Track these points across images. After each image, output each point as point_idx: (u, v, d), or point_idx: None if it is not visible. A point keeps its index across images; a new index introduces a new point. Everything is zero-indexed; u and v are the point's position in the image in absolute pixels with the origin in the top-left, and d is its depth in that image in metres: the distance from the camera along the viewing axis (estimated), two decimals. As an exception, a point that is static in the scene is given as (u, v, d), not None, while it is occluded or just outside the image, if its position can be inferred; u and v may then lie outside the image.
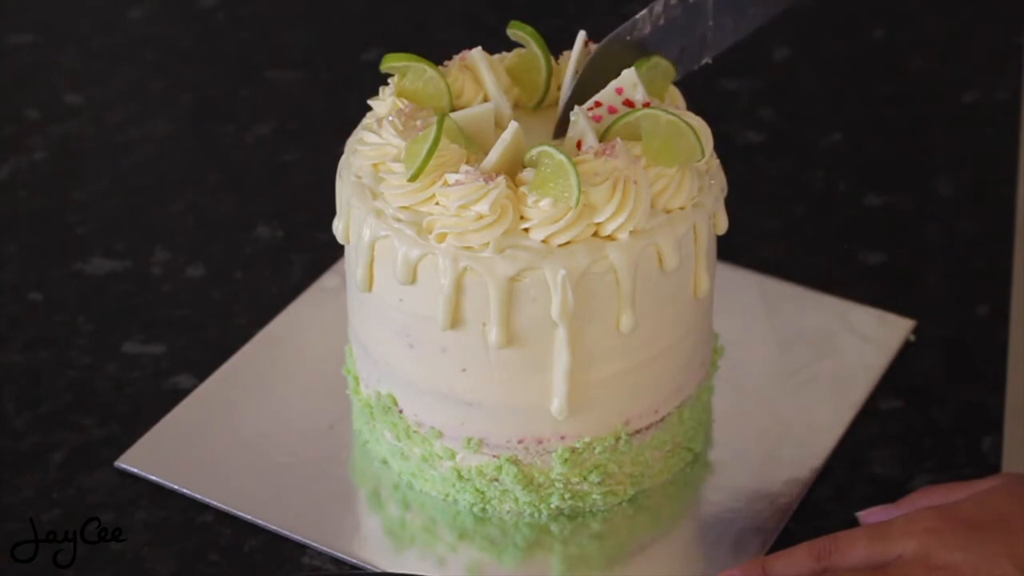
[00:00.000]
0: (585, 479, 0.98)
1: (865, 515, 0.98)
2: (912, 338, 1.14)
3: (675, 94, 1.00)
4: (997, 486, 0.92)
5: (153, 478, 1.02)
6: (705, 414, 1.05)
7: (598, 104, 0.97)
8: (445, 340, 0.94)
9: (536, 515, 0.99)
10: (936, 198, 1.13)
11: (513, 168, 0.94)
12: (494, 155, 0.93)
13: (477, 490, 0.99)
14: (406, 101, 0.98)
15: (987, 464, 1.03)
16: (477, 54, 1.01)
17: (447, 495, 1.00)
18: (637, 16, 0.99)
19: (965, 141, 1.38)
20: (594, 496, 0.99)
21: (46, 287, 1.20)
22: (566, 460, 0.97)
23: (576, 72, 1.00)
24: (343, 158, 0.99)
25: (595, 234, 0.92)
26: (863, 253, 1.23)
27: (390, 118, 0.96)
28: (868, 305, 1.16)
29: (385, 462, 1.03)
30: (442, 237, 0.92)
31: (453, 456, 0.98)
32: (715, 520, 1.01)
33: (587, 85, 0.98)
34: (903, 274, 1.21)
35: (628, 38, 0.99)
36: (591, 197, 0.91)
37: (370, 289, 0.96)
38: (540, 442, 0.97)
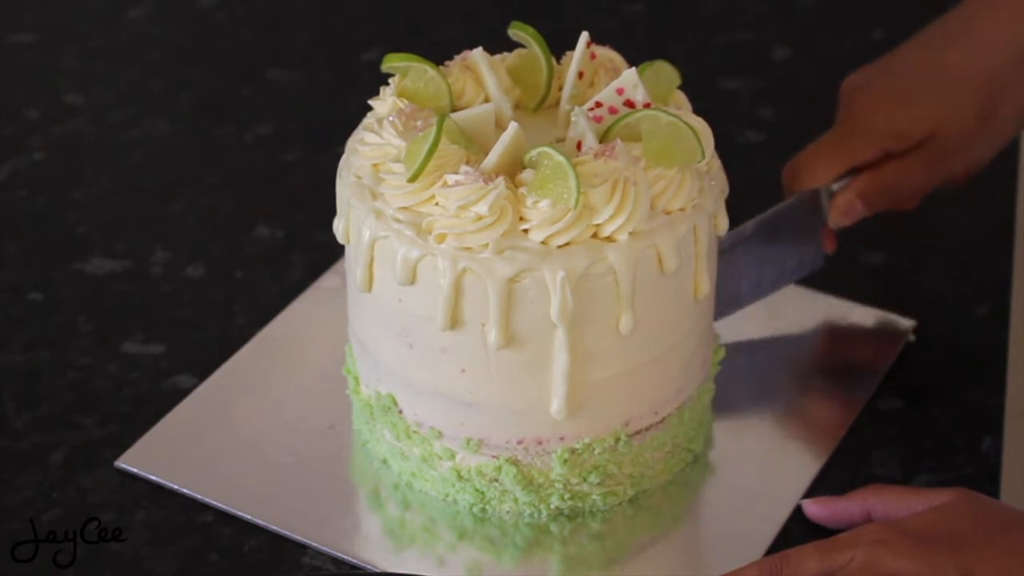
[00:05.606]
0: (585, 480, 0.98)
1: (810, 504, 0.98)
2: (912, 338, 1.14)
3: (680, 98, 1.00)
4: (950, 503, 0.91)
5: (153, 478, 1.02)
6: (705, 415, 1.05)
7: (599, 104, 0.97)
8: (444, 340, 0.94)
9: (536, 515, 0.99)
10: (936, 198, 1.12)
11: (513, 169, 0.94)
12: (494, 156, 0.93)
13: (477, 490, 0.99)
14: (407, 101, 0.97)
15: (987, 464, 1.03)
16: (478, 54, 1.01)
17: (447, 495, 1.00)
18: None
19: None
20: (594, 497, 0.99)
21: (46, 287, 1.19)
22: (565, 461, 0.97)
23: (578, 74, 1.00)
24: (343, 158, 0.99)
25: (594, 235, 0.92)
26: (863, 253, 1.22)
27: (390, 118, 0.96)
28: (868, 305, 1.16)
29: (385, 462, 1.03)
30: (441, 238, 0.92)
31: (453, 456, 0.98)
32: (715, 520, 1.02)
33: None
34: (903, 274, 1.21)
35: None
36: (590, 198, 0.90)
37: (370, 289, 0.96)
38: (539, 443, 0.97)
